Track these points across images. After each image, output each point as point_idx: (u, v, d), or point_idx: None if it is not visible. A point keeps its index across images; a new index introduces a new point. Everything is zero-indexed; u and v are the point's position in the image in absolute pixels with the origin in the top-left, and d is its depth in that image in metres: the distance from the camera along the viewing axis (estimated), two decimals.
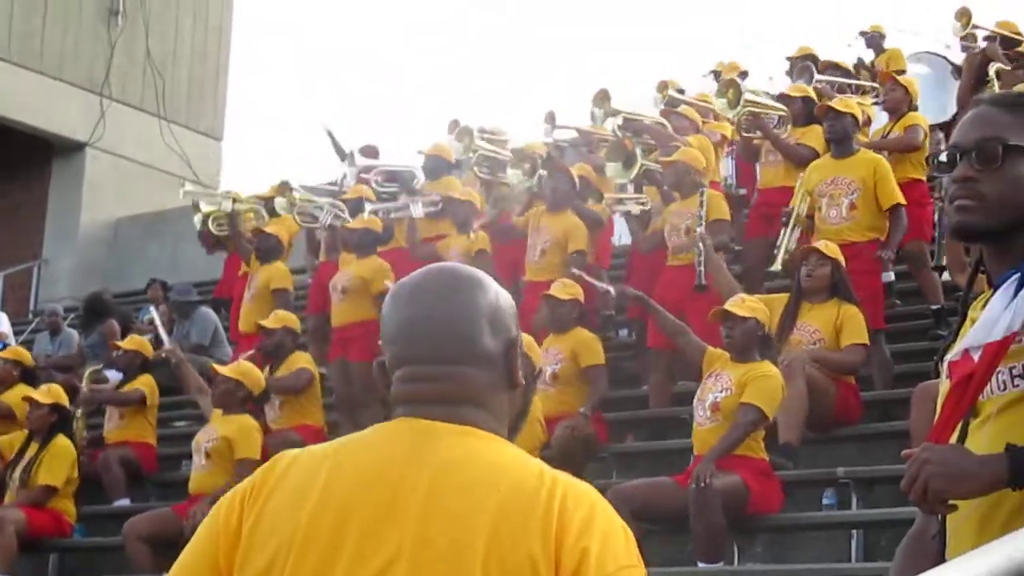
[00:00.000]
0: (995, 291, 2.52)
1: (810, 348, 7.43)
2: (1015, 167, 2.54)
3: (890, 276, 9.05)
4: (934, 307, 8.81)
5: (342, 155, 12.18)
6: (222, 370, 8.73)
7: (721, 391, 6.79)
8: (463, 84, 38.02)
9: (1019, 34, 11.47)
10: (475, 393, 2.14)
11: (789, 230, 8.52)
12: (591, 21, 40.84)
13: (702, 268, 8.14)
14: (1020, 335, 2.45)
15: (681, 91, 11.73)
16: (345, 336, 10.00)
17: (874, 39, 13.35)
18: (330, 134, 12.52)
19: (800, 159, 9.28)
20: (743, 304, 6.95)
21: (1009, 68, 10.50)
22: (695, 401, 7.00)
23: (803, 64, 11.85)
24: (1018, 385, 2.46)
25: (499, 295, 2.19)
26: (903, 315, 9.36)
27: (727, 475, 6.51)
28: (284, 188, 11.92)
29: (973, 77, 10.68)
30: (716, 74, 13.28)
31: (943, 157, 2.60)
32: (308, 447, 2.22)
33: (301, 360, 9.38)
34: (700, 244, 8.16)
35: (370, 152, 12.46)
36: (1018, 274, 2.48)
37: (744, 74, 12.79)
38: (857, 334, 7.47)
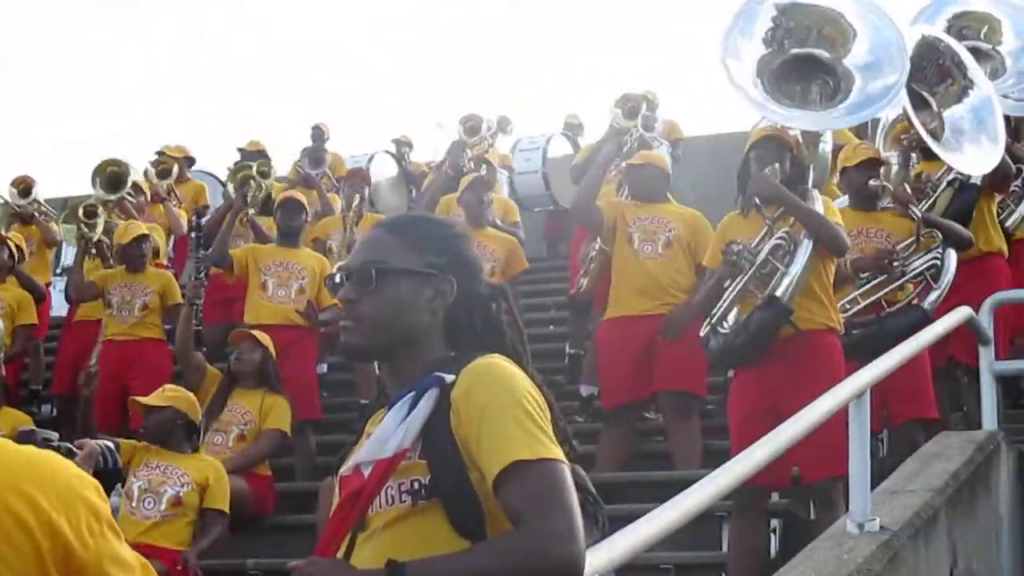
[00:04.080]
0: (390, 408, 2.57)
1: (228, 451, 7.58)
2: (394, 289, 2.62)
3: (323, 368, 9.21)
4: (363, 401, 9.03)
5: None
6: None
7: (182, 486, 6.77)
8: (428, 79, 35.08)
9: None
10: None
11: None
12: (568, 19, 38.20)
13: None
14: (410, 452, 2.50)
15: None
16: None
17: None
18: None
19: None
20: (161, 395, 7.05)
21: None
22: (136, 493, 6.76)
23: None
24: (405, 501, 2.49)
25: None
26: (333, 407, 9.50)
27: None
28: None
29: None
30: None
31: (336, 279, 2.67)
32: None
33: None
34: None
35: None
36: (412, 393, 2.54)
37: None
38: (278, 420, 7.73)
